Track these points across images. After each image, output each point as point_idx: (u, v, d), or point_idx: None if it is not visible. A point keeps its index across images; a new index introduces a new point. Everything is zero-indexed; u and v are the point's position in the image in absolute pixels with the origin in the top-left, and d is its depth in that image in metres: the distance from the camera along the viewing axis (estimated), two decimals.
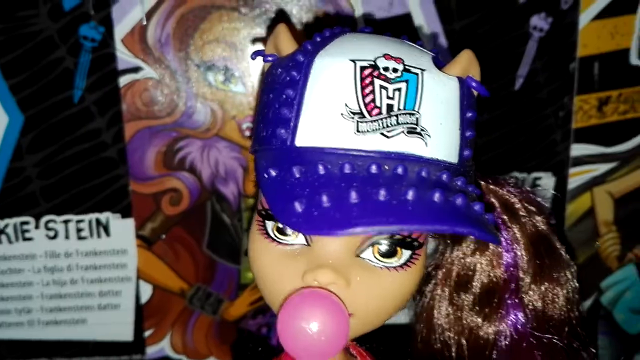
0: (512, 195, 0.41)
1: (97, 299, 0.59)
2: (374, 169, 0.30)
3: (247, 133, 0.57)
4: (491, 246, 0.39)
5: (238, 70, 0.55)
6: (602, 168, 0.62)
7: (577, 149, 0.61)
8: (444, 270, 0.41)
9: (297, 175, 0.30)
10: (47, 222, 0.57)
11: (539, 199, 0.42)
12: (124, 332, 0.60)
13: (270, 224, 0.34)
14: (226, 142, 0.56)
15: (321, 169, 0.30)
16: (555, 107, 0.60)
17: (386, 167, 0.31)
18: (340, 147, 0.32)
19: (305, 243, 0.34)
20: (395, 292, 0.34)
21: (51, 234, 0.58)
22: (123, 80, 0.55)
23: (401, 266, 0.34)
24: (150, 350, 0.61)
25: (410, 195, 0.29)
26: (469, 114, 0.36)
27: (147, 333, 0.60)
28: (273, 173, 0.31)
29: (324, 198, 0.29)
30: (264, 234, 0.35)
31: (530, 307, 0.39)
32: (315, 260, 0.33)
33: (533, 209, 0.41)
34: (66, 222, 0.57)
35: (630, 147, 0.62)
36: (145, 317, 0.60)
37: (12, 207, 0.57)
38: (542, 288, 0.39)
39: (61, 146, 0.56)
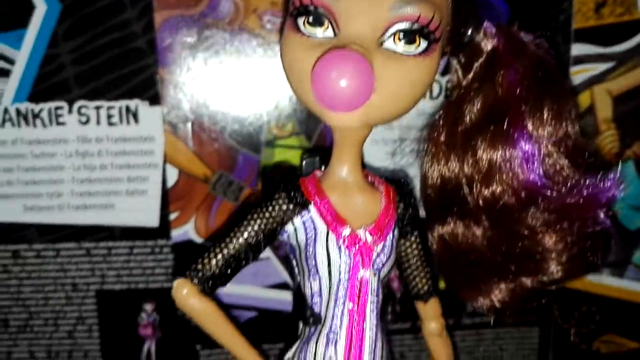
0: (520, 33, 0.45)
1: (125, 184, 0.63)
2: None
3: (268, 26, 0.60)
4: (497, 70, 0.43)
5: None
6: (600, 67, 0.66)
7: (577, 49, 0.65)
8: (454, 96, 0.44)
9: None
10: (80, 107, 0.61)
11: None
12: (150, 218, 0.63)
13: (301, 20, 0.38)
14: (248, 34, 0.60)
15: None
16: (556, 11, 0.64)
17: None
18: None
19: (333, 35, 0.38)
20: (413, 75, 0.38)
21: (83, 119, 0.61)
22: None
23: (419, 54, 0.38)
24: (175, 233, 0.64)
25: None
26: None
27: (172, 216, 0.63)
28: None
29: None
30: (296, 31, 0.39)
31: (533, 124, 0.43)
32: (343, 43, 0.37)
33: (537, 45, 0.45)
34: (97, 108, 0.61)
35: (627, 48, 0.65)
36: (171, 200, 0.63)
37: (47, 92, 0.60)
38: (544, 107, 0.43)
39: (95, 35, 0.60)
